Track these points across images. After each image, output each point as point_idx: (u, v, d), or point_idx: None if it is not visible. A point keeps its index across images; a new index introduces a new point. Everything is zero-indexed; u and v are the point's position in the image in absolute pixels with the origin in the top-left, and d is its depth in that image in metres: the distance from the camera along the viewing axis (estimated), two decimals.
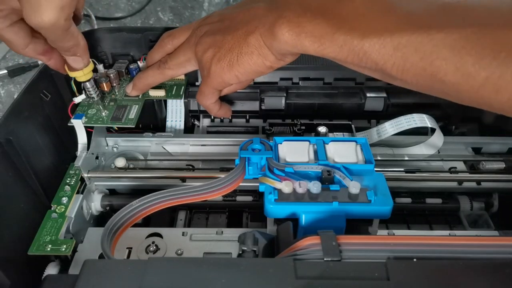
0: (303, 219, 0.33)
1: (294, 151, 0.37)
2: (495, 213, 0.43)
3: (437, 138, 0.45)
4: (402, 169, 0.43)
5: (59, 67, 0.38)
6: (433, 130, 0.45)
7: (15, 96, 0.39)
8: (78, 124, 0.42)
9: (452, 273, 0.25)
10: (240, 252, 0.30)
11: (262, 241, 0.31)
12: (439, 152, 0.46)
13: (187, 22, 0.92)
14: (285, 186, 0.33)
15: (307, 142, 0.38)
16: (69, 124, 0.42)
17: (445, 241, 0.28)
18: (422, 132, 0.46)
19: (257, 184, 0.36)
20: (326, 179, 0.34)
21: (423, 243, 0.27)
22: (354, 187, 0.33)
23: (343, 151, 0.37)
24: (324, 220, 0.32)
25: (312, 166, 0.35)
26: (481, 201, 0.43)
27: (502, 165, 0.43)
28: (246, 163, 0.37)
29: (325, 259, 0.26)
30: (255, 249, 0.30)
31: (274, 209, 0.33)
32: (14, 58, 0.78)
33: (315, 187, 0.33)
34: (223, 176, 0.36)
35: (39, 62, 0.74)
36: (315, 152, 0.37)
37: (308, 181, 0.34)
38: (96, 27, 0.86)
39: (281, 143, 0.38)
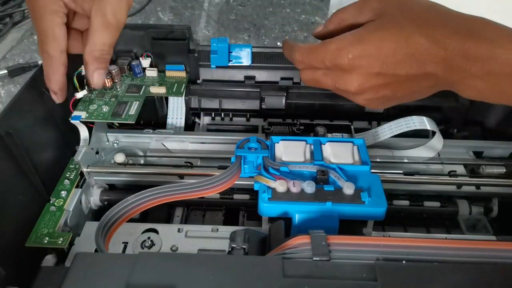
0: (296, 219, 0.33)
1: (291, 150, 0.37)
2: (495, 218, 0.43)
3: (437, 141, 0.44)
4: (401, 171, 0.43)
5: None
6: (433, 133, 0.45)
7: None
8: (78, 124, 0.42)
9: (440, 276, 0.25)
10: (230, 250, 0.30)
11: (254, 239, 0.31)
12: (439, 155, 0.46)
13: (187, 22, 0.92)
14: (279, 185, 0.33)
15: (304, 142, 0.38)
16: (70, 120, 0.42)
17: (436, 244, 0.27)
18: (422, 134, 0.46)
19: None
20: (320, 179, 0.34)
21: (413, 245, 0.27)
22: (348, 188, 0.33)
23: (339, 151, 0.37)
24: (317, 220, 0.32)
25: (307, 166, 0.35)
26: (480, 205, 0.43)
27: (502, 170, 0.43)
28: (242, 161, 0.37)
29: (314, 258, 0.26)
30: (244, 246, 0.30)
31: (268, 207, 0.33)
32: (14, 58, 0.78)
33: (309, 187, 0.33)
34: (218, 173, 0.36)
35: (39, 62, 0.75)
36: (312, 152, 0.37)
37: (302, 181, 0.34)
38: None
39: (278, 142, 0.38)
